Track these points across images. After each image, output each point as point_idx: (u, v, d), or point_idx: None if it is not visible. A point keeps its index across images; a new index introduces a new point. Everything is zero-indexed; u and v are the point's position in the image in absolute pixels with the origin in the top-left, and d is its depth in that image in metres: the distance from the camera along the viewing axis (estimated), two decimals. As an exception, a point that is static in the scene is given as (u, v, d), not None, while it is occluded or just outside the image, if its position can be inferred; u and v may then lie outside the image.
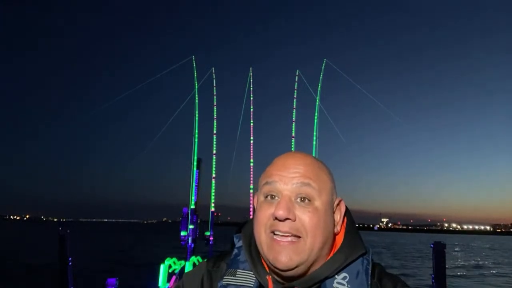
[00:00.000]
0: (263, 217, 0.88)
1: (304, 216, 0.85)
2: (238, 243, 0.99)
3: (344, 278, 0.87)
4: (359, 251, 0.90)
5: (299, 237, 0.85)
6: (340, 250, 0.91)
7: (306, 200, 0.87)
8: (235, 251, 0.99)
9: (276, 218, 0.85)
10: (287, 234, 0.85)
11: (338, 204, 0.95)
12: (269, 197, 0.89)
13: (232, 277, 0.92)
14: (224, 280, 0.92)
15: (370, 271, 0.89)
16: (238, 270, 0.94)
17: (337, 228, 0.94)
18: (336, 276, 0.88)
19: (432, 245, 4.24)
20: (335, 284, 0.86)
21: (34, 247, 29.98)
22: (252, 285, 0.90)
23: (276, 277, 0.89)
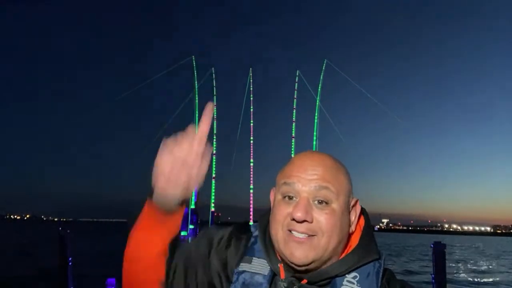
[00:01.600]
0: (281, 215, 0.90)
1: (321, 218, 0.87)
2: (255, 232, 1.02)
3: (354, 277, 0.89)
4: (372, 256, 0.92)
5: (315, 235, 0.88)
6: (354, 251, 0.93)
7: (324, 203, 0.89)
8: (252, 239, 1.01)
9: (293, 219, 0.87)
10: (303, 235, 0.87)
11: (354, 205, 0.97)
12: (287, 197, 0.91)
13: (248, 264, 0.95)
14: (240, 266, 0.95)
15: (381, 274, 0.91)
16: (253, 258, 0.96)
17: (352, 228, 0.96)
18: (346, 275, 0.90)
19: (432, 245, 4.25)
20: (345, 282, 0.89)
21: (33, 248, 29.97)
22: (266, 273, 0.93)
23: (288, 269, 0.92)
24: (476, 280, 20.45)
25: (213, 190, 6.99)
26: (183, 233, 6.47)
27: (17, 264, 19.59)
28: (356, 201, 0.97)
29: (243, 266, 0.95)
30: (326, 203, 0.89)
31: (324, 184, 0.89)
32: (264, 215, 1.03)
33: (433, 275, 4.18)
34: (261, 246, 0.97)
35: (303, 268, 0.88)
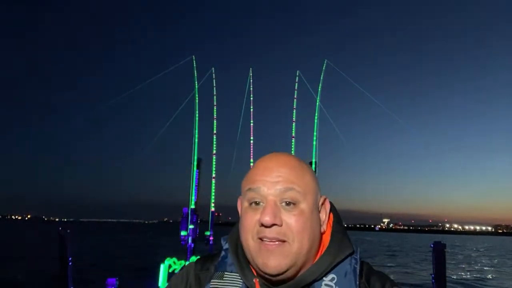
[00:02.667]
0: (249, 224, 0.86)
1: (290, 220, 0.84)
2: (225, 245, 0.98)
3: (332, 279, 0.87)
4: (346, 251, 0.90)
5: (286, 241, 0.84)
6: (327, 251, 0.90)
7: (292, 204, 0.86)
8: (223, 253, 0.98)
9: (262, 225, 0.84)
10: (274, 240, 0.84)
11: (323, 203, 0.94)
12: (253, 204, 0.87)
13: (219, 281, 0.92)
14: (211, 283, 0.92)
15: (358, 271, 0.88)
16: (225, 273, 0.93)
17: (323, 227, 0.93)
18: (324, 278, 0.87)
19: (432, 245, 4.25)
20: (323, 287, 0.86)
21: (34, 248, 30.02)
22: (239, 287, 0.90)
23: (263, 281, 0.89)
24: (476, 280, 20.42)
25: (213, 190, 6.95)
26: (183, 233, 6.46)
27: (17, 265, 19.62)
28: (325, 199, 0.94)
29: (214, 283, 0.91)
30: (294, 204, 0.86)
31: (289, 185, 0.86)
32: (234, 228, 0.99)
33: (433, 275, 4.18)
34: (233, 260, 0.94)
35: (278, 278, 0.85)
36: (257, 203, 0.87)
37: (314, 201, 0.90)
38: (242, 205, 0.92)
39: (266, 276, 0.85)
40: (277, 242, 0.84)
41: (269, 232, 0.83)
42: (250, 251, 0.86)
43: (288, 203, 0.86)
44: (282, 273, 0.84)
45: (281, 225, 0.84)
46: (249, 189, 0.89)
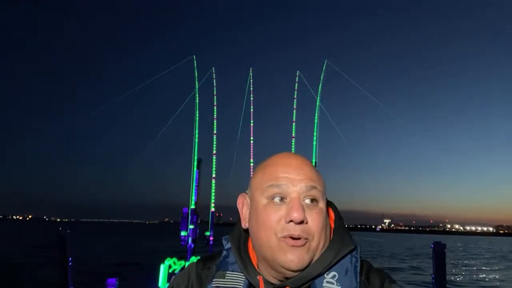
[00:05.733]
0: (272, 220, 0.85)
1: (313, 218, 0.86)
2: (227, 244, 0.99)
3: (333, 276, 0.87)
4: (348, 248, 0.90)
5: (308, 238, 0.86)
6: (329, 247, 0.91)
7: (315, 201, 0.88)
8: (224, 252, 0.98)
9: (290, 221, 0.84)
10: (299, 238, 0.84)
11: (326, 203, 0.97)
12: (277, 199, 0.87)
13: (221, 279, 0.92)
14: (213, 282, 0.92)
15: (358, 269, 0.89)
16: (227, 272, 0.93)
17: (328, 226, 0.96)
18: (325, 275, 0.87)
19: (432, 245, 4.25)
20: (324, 284, 0.86)
21: (34, 248, 30.04)
22: (241, 286, 0.91)
23: (269, 277, 0.89)
24: (476, 281, 20.37)
25: (213, 190, 6.94)
26: (183, 233, 6.45)
27: (17, 264, 19.63)
28: (327, 200, 0.97)
29: (217, 282, 0.92)
30: (317, 201, 0.88)
31: (313, 183, 0.88)
32: (235, 227, 1.00)
33: (433, 275, 4.17)
34: (236, 259, 0.94)
35: (297, 273, 0.86)
36: (281, 199, 0.87)
37: (325, 201, 0.93)
38: (257, 201, 0.90)
39: (286, 271, 0.85)
40: (301, 241, 0.85)
41: (295, 230, 0.84)
42: (272, 248, 0.85)
43: (312, 200, 0.88)
44: (303, 269, 0.85)
45: (306, 223, 0.85)
46: (271, 185, 0.88)
